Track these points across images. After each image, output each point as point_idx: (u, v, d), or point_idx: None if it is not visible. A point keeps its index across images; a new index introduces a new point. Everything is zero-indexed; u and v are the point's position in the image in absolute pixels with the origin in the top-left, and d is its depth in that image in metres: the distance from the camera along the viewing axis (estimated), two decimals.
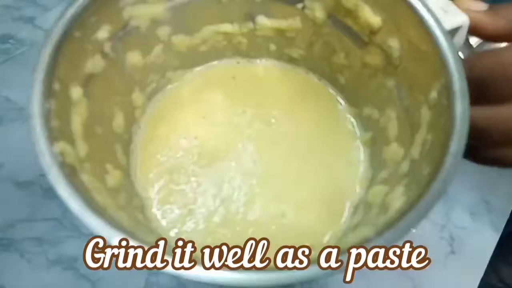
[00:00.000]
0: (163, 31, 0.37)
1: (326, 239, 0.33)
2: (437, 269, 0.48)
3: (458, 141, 0.23)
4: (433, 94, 0.28)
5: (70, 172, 0.23)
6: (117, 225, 0.21)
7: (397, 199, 0.25)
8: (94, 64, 0.31)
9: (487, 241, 0.50)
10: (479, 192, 0.54)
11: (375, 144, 0.36)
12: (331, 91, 0.41)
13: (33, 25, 0.60)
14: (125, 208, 0.29)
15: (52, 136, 0.24)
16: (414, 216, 0.21)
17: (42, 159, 0.22)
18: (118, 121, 0.35)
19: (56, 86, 0.26)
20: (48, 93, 0.26)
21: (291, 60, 0.42)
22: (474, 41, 0.62)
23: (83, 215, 0.20)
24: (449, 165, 0.22)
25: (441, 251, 0.50)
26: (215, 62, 0.42)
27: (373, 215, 0.28)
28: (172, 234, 0.33)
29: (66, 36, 0.28)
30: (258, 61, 0.42)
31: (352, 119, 0.39)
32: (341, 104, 0.40)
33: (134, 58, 0.36)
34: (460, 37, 0.33)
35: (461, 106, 0.24)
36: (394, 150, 0.32)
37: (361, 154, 0.37)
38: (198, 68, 0.41)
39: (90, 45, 0.31)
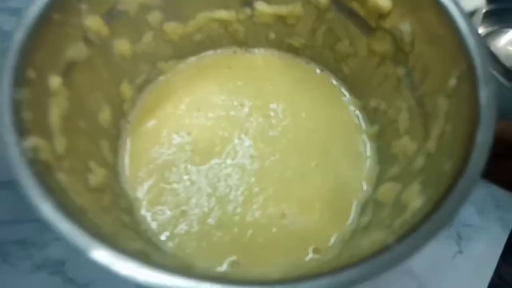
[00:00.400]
0: (154, 17, 0.34)
1: (331, 241, 0.31)
2: (444, 269, 0.46)
3: (484, 132, 0.20)
4: (452, 82, 0.25)
5: (43, 170, 0.20)
6: (95, 231, 0.18)
7: (415, 198, 0.23)
8: (76, 51, 0.28)
9: (496, 239, 0.48)
10: (486, 188, 0.51)
11: (383, 138, 0.34)
12: (335, 82, 0.38)
13: (19, 18, 0.56)
14: (110, 210, 0.27)
15: (23, 129, 0.21)
16: (440, 218, 0.18)
17: (8, 154, 0.19)
18: (105, 114, 0.32)
19: (31, 73, 0.23)
20: (21, 81, 0.23)
21: (292, 49, 0.39)
22: (480, 30, 0.59)
23: (54, 220, 0.18)
24: (476, 159, 0.20)
25: (448, 250, 0.48)
26: (210, 52, 0.39)
27: (386, 215, 0.26)
28: (163, 237, 0.31)
29: (43, 19, 0.25)
30: (256, 50, 0.40)
31: (357, 112, 0.37)
32: (345, 95, 0.38)
33: (122, 46, 0.33)
34: (475, 22, 0.30)
35: (485, 94, 0.22)
36: (405, 144, 0.30)
37: (368, 148, 0.35)
38: (192, 58, 0.39)
39: (71, 29, 0.28)
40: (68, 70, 0.28)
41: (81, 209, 0.21)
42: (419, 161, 0.27)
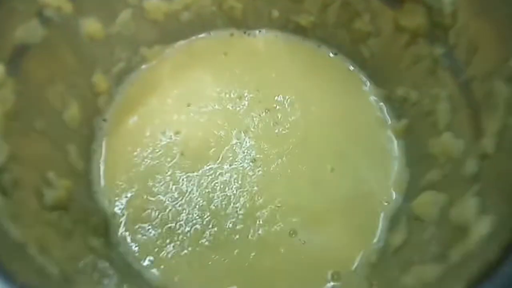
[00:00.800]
0: None
1: (355, 264, 0.25)
2: None
3: None
4: None
5: None
6: (35, 278, 0.13)
7: (475, 218, 0.17)
8: (29, 31, 0.23)
9: None
10: None
11: (414, 134, 0.28)
12: (352, 67, 0.32)
13: None
14: (73, 234, 0.21)
15: None
16: None
17: None
18: (72, 111, 0.27)
19: None
20: None
21: (299, 30, 0.33)
22: None
23: None
24: None
25: None
26: (202, 35, 0.33)
27: (431, 237, 0.20)
28: (146, 263, 0.25)
29: None
30: (257, 32, 0.33)
31: (381, 103, 0.30)
32: (365, 84, 0.31)
33: (91, 26, 0.27)
34: None
35: None
36: (447, 142, 0.24)
37: (395, 147, 0.29)
38: (180, 43, 0.33)
39: (21, 4, 0.22)
40: (17, 56, 0.22)
41: (19, 243, 0.15)
42: (471, 165, 0.21)
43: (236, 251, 0.25)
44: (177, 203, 0.26)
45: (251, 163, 0.28)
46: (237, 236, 0.25)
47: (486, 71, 0.21)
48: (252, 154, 0.28)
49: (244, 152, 0.28)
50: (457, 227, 0.18)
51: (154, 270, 0.25)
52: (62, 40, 0.25)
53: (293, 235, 0.26)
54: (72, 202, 0.23)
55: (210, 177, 0.27)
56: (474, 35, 0.22)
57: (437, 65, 0.25)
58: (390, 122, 0.30)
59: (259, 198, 0.27)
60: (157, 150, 0.28)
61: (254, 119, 0.30)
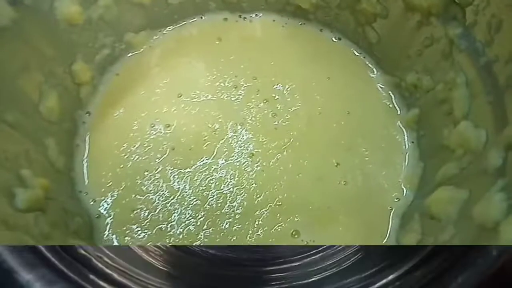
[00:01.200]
0: None
1: None
2: None
3: None
4: None
5: None
6: None
7: (504, 216, 0.15)
8: None
9: None
10: None
11: (427, 124, 0.26)
12: (357, 53, 0.30)
13: None
14: (50, 239, 0.19)
15: None
16: None
17: None
18: (50, 103, 0.25)
19: None
20: None
21: (299, 13, 0.31)
22: None
23: None
24: None
25: None
26: (193, 19, 0.31)
27: (449, 237, 0.18)
28: None
29: None
30: (253, 15, 0.32)
31: (390, 91, 0.28)
32: (372, 71, 0.29)
33: (68, 8, 0.25)
34: None
35: None
36: (465, 132, 0.22)
37: (405, 139, 0.27)
38: (170, 28, 0.31)
39: None
40: None
41: None
42: (494, 158, 0.19)
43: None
44: (168, 202, 0.25)
45: (248, 158, 0.26)
46: (234, 238, 0.24)
47: (511, 51, 0.19)
48: (249, 148, 0.27)
49: (240, 146, 0.27)
50: (482, 227, 0.16)
51: None
52: (35, 24, 0.23)
53: (296, 236, 0.24)
54: (50, 203, 0.21)
55: (204, 173, 0.26)
56: (497, 11, 0.20)
57: (453, 47, 0.23)
58: (400, 111, 0.28)
59: (258, 196, 0.25)
60: (145, 145, 0.27)
61: (251, 110, 0.28)
